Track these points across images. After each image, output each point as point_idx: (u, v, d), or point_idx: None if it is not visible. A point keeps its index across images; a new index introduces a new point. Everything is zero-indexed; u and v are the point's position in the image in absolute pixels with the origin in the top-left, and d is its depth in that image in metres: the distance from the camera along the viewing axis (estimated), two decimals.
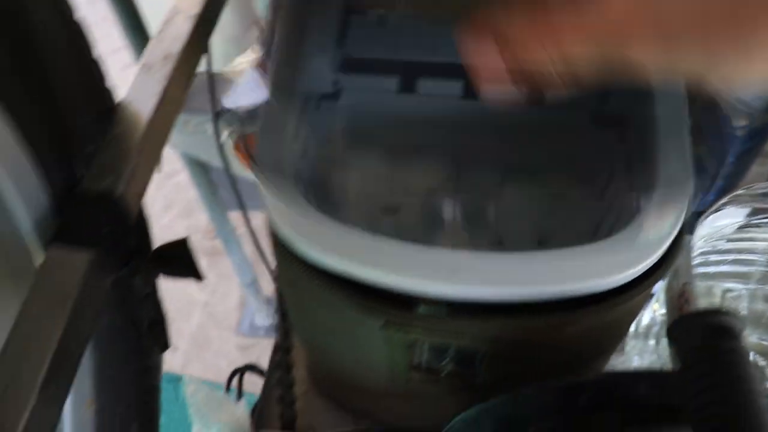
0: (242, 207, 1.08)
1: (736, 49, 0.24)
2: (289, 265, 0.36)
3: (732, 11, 0.23)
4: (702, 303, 0.44)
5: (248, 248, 1.34)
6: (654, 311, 0.52)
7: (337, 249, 0.34)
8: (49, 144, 0.39)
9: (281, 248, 0.36)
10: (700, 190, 0.60)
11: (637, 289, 0.34)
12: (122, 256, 0.41)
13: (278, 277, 0.43)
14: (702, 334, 0.25)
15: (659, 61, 0.25)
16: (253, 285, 1.39)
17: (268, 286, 1.46)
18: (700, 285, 0.46)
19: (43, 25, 0.36)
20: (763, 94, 0.51)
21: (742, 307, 0.45)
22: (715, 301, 0.48)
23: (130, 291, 0.46)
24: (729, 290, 0.48)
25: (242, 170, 1.05)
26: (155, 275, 0.48)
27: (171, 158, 1.26)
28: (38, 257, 0.41)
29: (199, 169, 1.12)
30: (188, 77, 0.49)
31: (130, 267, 0.42)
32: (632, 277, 0.34)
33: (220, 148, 0.98)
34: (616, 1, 0.25)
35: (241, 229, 1.37)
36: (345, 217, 0.36)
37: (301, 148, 0.40)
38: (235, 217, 1.29)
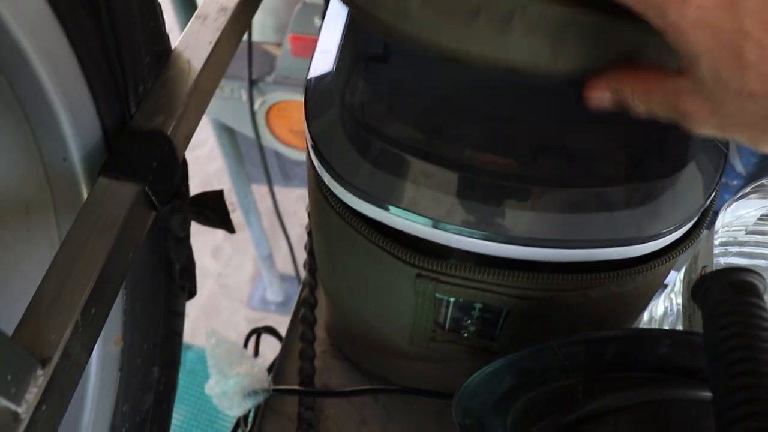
0: (268, 177, 1.10)
1: None
2: (330, 210, 0.38)
3: None
4: None
5: (267, 222, 1.36)
6: (670, 300, 0.53)
7: (375, 195, 0.35)
8: (106, 80, 0.40)
9: (324, 193, 0.38)
10: (727, 190, 0.61)
11: (662, 258, 0.35)
12: (166, 193, 0.43)
13: (315, 225, 0.44)
14: (725, 290, 0.26)
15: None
16: (269, 259, 1.41)
17: (282, 262, 1.48)
18: None
19: None
20: None
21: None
22: None
23: (167, 231, 0.48)
24: None
25: (271, 141, 1.07)
26: (191, 219, 0.49)
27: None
28: (84, 189, 0.43)
29: (229, 137, 1.14)
30: (240, 31, 0.51)
31: (172, 205, 0.44)
32: (658, 247, 0.35)
33: (253, 115, 1.00)
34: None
35: (261, 203, 1.39)
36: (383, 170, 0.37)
37: (348, 106, 0.41)
38: (256, 189, 1.31)
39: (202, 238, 1.59)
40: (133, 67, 0.42)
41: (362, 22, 0.36)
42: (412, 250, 0.36)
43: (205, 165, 1.77)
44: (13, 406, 0.31)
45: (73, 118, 0.39)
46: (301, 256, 1.29)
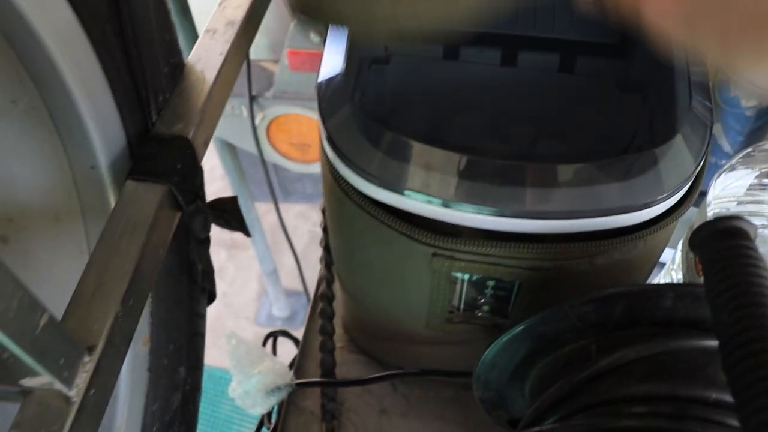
0: (271, 191, 1.13)
1: (753, 49, 0.24)
2: (347, 200, 0.40)
3: (754, 13, 0.23)
4: None
5: (271, 238, 1.38)
6: (671, 276, 0.56)
7: (389, 181, 0.38)
8: (130, 90, 0.43)
9: (341, 185, 0.40)
10: (717, 170, 0.64)
11: (660, 224, 0.38)
12: (190, 194, 0.45)
13: (331, 219, 0.47)
14: (717, 236, 0.29)
15: (680, 39, 0.26)
16: (274, 275, 1.43)
17: (287, 277, 1.50)
18: None
19: None
20: None
21: None
22: None
23: (189, 233, 0.50)
24: None
25: (272, 155, 1.10)
26: (211, 221, 0.52)
27: None
28: (110, 195, 0.45)
29: (231, 154, 1.16)
30: (247, 43, 0.54)
31: (195, 205, 0.46)
32: (656, 214, 0.38)
33: (254, 130, 1.03)
34: None
35: (263, 220, 1.42)
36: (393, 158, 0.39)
37: (359, 103, 0.44)
38: (258, 207, 1.33)
39: None
40: (153, 78, 0.45)
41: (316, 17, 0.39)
42: (427, 230, 0.39)
43: (207, 185, 1.80)
44: (65, 389, 0.33)
45: (100, 127, 0.42)
46: (306, 270, 1.30)
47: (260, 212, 1.34)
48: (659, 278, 0.59)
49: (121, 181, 0.43)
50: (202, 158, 0.47)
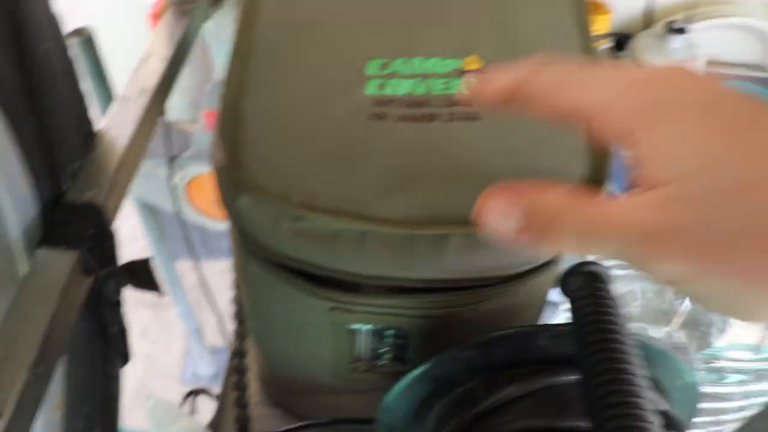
0: (192, 250, 1.13)
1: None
2: (247, 254, 0.43)
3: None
4: None
5: (195, 296, 1.38)
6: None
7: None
8: (42, 158, 0.45)
9: (245, 242, 0.43)
10: None
11: (543, 268, 0.42)
12: (101, 260, 0.47)
13: (238, 275, 0.49)
14: (581, 280, 0.33)
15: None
16: (197, 333, 1.42)
17: (212, 334, 1.49)
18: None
19: (47, 55, 0.42)
20: None
21: (636, 306, 0.53)
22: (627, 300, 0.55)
23: (101, 297, 0.51)
24: (628, 292, 0.56)
25: (193, 215, 1.11)
26: (124, 284, 0.53)
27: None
28: (20, 263, 0.46)
29: (150, 215, 1.17)
30: (159, 110, 0.56)
31: (107, 270, 0.48)
32: (530, 267, 0.41)
33: (172, 192, 1.04)
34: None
35: (187, 278, 1.41)
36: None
37: None
38: (180, 265, 1.33)
39: (130, 319, 1.58)
40: (65, 147, 0.47)
41: (246, 243, 0.42)
42: (324, 286, 0.41)
43: (129, 245, 1.77)
44: None
45: (12, 198, 0.43)
46: (229, 327, 1.30)
47: (183, 270, 1.34)
48: (557, 317, 0.63)
49: (33, 248, 0.45)
50: (113, 223, 0.49)
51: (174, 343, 1.60)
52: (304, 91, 0.43)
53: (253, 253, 0.43)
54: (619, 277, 0.48)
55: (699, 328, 0.50)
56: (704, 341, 0.53)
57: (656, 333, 0.51)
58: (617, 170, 0.68)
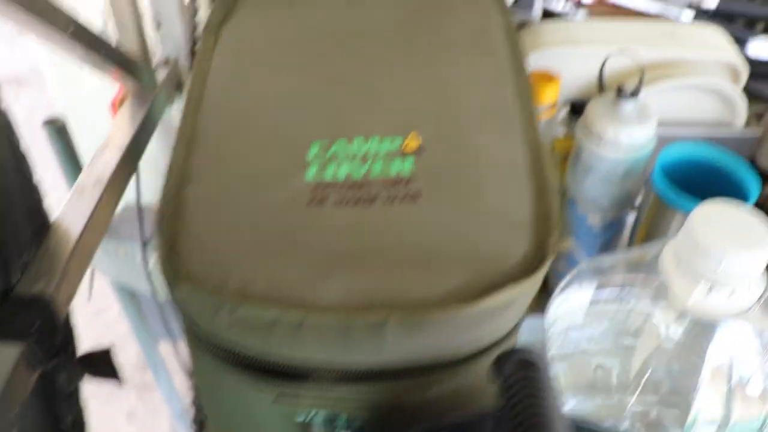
0: (171, 333, 1.12)
1: None
2: (195, 345, 0.42)
3: None
4: (579, 378, 0.50)
5: (178, 379, 1.36)
6: None
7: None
8: None
9: (186, 325, 0.42)
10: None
11: (489, 351, 0.41)
12: (49, 352, 0.46)
13: (193, 365, 0.48)
14: (512, 367, 0.32)
15: None
16: (183, 416, 1.39)
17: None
18: (574, 361, 0.52)
19: None
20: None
21: (614, 377, 0.51)
22: (588, 375, 0.54)
23: (54, 388, 0.50)
24: (599, 365, 0.54)
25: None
26: (79, 375, 0.52)
27: (100, 295, 1.31)
28: None
29: (129, 298, 1.16)
30: (115, 200, 0.57)
31: (56, 362, 0.47)
32: (480, 348, 0.41)
33: (148, 275, 1.03)
34: None
35: (171, 361, 1.39)
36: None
37: None
38: (164, 348, 1.31)
39: (117, 402, 1.56)
40: (15, 241, 0.47)
41: (192, 331, 0.43)
42: (270, 374, 0.40)
43: (114, 327, 1.76)
44: None
45: None
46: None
47: (168, 352, 1.32)
48: None
49: None
50: (64, 314, 0.49)
51: (160, 426, 1.56)
52: (245, 178, 0.43)
53: (201, 341, 0.42)
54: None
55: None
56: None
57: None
58: (585, 236, 0.68)
